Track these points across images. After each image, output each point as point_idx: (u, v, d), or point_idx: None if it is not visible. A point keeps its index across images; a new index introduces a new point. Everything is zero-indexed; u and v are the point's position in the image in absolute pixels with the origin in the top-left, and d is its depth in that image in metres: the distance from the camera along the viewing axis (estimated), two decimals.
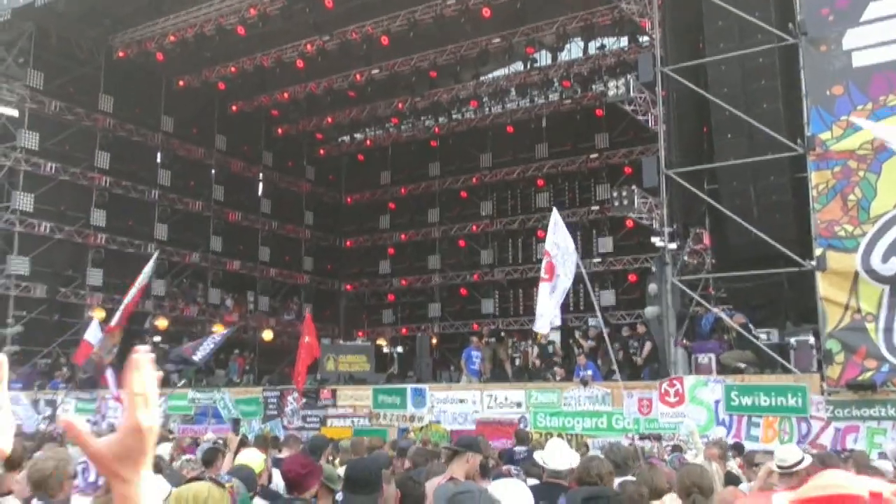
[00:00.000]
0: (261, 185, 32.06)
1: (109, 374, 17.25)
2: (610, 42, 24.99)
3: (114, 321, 16.77)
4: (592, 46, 24.97)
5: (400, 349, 27.74)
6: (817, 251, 13.16)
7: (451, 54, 24.66)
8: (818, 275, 13.12)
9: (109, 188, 25.93)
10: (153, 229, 26.86)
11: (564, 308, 11.13)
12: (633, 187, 17.10)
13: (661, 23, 16.44)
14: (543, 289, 10.98)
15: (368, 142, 32.40)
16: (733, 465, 8.76)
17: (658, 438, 13.18)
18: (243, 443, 7.89)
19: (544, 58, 26.16)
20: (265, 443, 8.76)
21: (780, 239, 13.87)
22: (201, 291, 28.70)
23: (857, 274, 12.73)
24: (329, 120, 29.68)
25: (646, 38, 20.39)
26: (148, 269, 16.40)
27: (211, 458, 7.02)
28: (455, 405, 16.75)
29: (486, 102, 28.52)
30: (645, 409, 14.46)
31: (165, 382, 21.79)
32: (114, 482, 1.25)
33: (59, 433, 11.77)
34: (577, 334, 18.88)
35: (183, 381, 19.84)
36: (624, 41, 24.52)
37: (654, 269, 16.59)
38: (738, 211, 14.74)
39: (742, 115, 14.42)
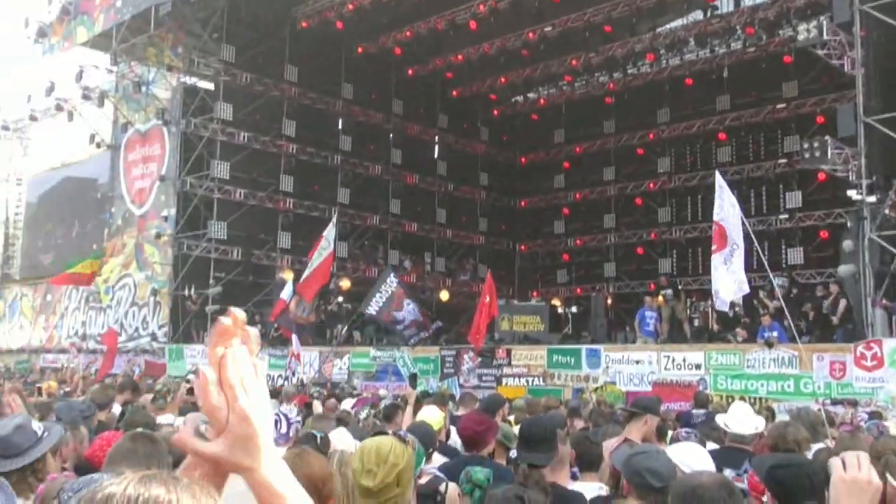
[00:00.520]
0: (437, 147, 32.60)
1: (294, 333, 18.43)
2: None
3: (307, 291, 17.69)
4: None
5: (574, 309, 27.59)
6: None
7: (626, 7, 23.85)
8: None
9: (296, 155, 27.28)
10: (336, 193, 28.03)
11: (748, 267, 10.45)
12: (826, 137, 15.96)
13: None
14: (716, 261, 10.33)
15: (542, 101, 32.08)
16: None
17: (854, 404, 12.44)
18: (419, 399, 8.18)
19: (726, 4, 24.81)
20: (443, 400, 9.02)
21: None
22: (381, 253, 29.74)
23: None
24: (502, 80, 29.62)
25: None
26: (330, 235, 17.14)
27: (391, 413, 7.32)
28: (631, 366, 16.52)
29: (664, 55, 27.42)
30: (837, 372, 13.67)
31: (348, 340, 22.99)
32: (244, 475, 1.23)
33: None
34: (762, 294, 17.99)
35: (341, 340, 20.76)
36: None
37: (849, 224, 15.56)
38: None
39: None
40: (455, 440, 6.01)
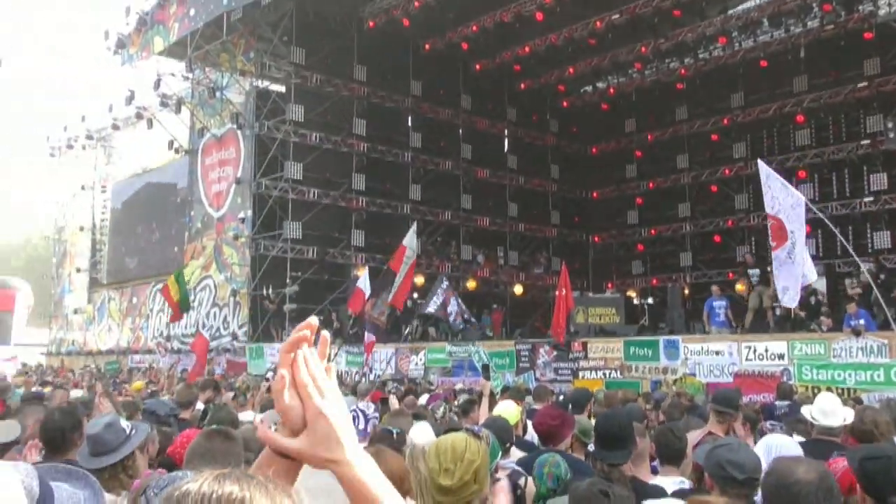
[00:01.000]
0: (506, 141, 32.53)
1: (368, 330, 18.82)
2: None
3: (391, 296, 18.25)
4: None
5: (650, 300, 27.19)
6: None
7: None
8: None
9: (367, 153, 27.57)
10: (408, 190, 28.24)
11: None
12: None
13: None
14: (779, 258, 9.89)
15: (611, 90, 31.66)
16: None
17: None
18: (499, 393, 8.17)
19: None
20: (520, 394, 9.00)
21: None
22: (454, 248, 29.82)
23: None
24: (570, 71, 29.34)
25: None
26: (412, 244, 17.44)
27: (467, 408, 7.33)
28: (710, 357, 16.19)
29: (736, 37, 26.73)
30: None
31: (424, 336, 23.14)
32: (332, 469, 1.28)
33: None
34: (847, 281, 17.40)
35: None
36: None
37: None
38: None
39: None
40: (532, 435, 5.99)
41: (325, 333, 1.39)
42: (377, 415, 6.67)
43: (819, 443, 5.09)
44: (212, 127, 29.16)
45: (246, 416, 7.32)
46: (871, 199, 24.30)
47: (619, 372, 17.59)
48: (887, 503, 2.93)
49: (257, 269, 25.97)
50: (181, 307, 19.33)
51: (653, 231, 31.02)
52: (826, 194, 25.67)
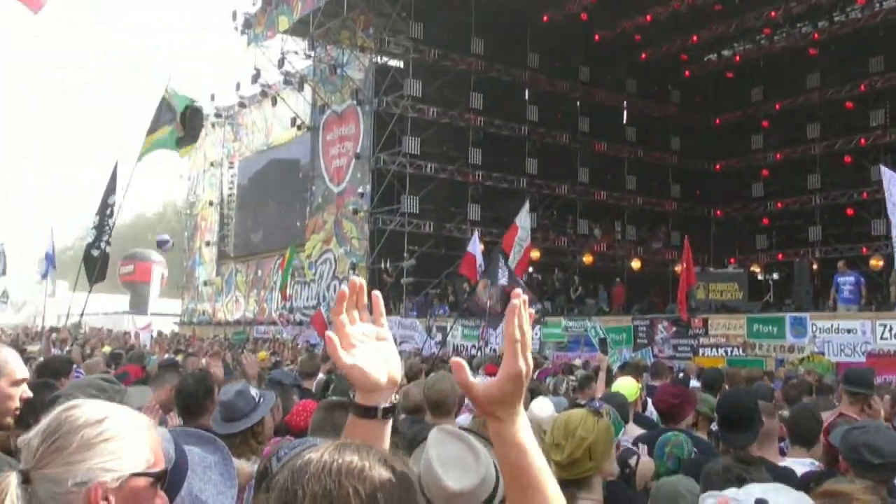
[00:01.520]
0: (625, 113, 31.85)
1: (474, 312, 18.73)
2: None
3: (507, 281, 18.14)
4: None
5: (776, 276, 26.16)
6: None
7: None
8: None
9: (483, 127, 27.56)
10: (524, 164, 28.08)
11: None
12: None
13: None
14: None
15: (737, 57, 30.47)
16: None
17: None
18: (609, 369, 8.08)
19: None
20: (638, 371, 8.86)
21: None
22: (570, 223, 29.51)
23: None
24: (694, 39, 28.38)
25: None
26: (525, 223, 17.16)
27: (584, 383, 7.29)
28: (841, 335, 15.47)
29: None
30: None
31: (539, 311, 23.02)
32: (489, 421, 1.36)
33: (448, 356, 13.00)
34: None
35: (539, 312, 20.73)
36: None
37: None
38: None
39: None
40: (651, 411, 5.90)
41: (377, 292, 1.45)
42: None
43: None
44: (332, 103, 29.79)
45: None
46: None
47: (741, 349, 17.06)
48: None
49: (375, 242, 26.48)
50: (279, 286, 19.83)
51: (779, 204, 29.77)
52: None
